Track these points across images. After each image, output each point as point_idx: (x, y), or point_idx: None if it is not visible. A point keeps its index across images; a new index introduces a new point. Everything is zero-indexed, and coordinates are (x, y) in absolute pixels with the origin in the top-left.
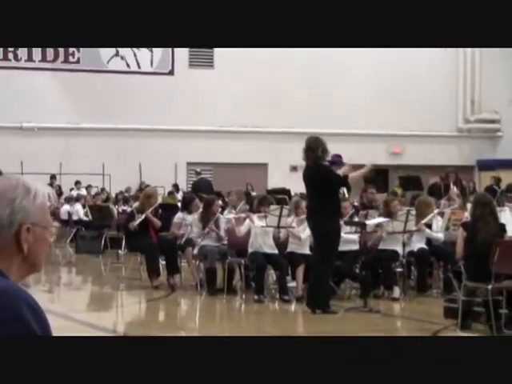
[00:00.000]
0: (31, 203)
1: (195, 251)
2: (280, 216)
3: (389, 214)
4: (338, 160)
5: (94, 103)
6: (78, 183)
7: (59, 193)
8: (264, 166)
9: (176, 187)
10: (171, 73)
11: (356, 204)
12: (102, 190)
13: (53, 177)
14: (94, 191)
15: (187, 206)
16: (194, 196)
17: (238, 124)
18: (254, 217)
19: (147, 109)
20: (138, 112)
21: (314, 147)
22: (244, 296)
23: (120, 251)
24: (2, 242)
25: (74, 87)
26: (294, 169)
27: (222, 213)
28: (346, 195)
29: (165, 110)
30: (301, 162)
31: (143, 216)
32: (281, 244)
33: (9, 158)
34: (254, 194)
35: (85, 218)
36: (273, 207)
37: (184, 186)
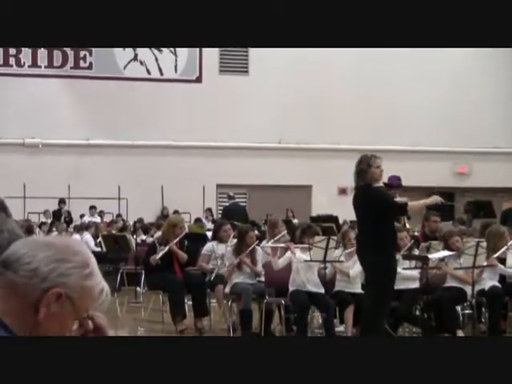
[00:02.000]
0: (79, 277)
1: (227, 289)
2: (326, 248)
3: (450, 249)
4: (396, 183)
5: (107, 116)
6: (92, 208)
7: (68, 220)
8: (307, 188)
9: (210, 212)
10: (199, 80)
11: (416, 234)
12: (118, 216)
13: (61, 201)
14: (107, 218)
15: (217, 232)
16: (223, 221)
17: (277, 140)
18: (297, 249)
19: (171, 122)
20: (159, 126)
21: (367, 167)
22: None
23: (139, 289)
24: (26, 292)
25: (84, 97)
26: (342, 192)
27: (258, 245)
28: (407, 225)
29: (191, 123)
30: (351, 184)
31: (167, 248)
32: (327, 281)
33: (9, 180)
34: (295, 221)
35: (96, 249)
36: (318, 238)
37: (213, 212)
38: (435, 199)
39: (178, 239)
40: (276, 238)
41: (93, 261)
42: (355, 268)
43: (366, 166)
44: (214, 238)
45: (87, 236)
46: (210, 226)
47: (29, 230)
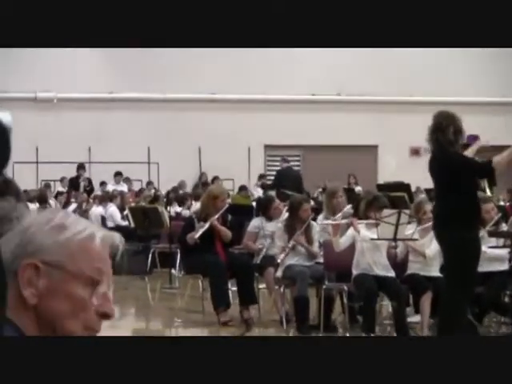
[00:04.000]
0: (47, 236)
1: (278, 273)
2: (397, 224)
3: None
4: (474, 143)
5: (134, 64)
6: (118, 175)
7: (89, 188)
8: (373, 149)
9: (261, 178)
10: None
11: (503, 204)
12: (148, 184)
13: (81, 166)
14: (135, 187)
15: (265, 210)
16: (271, 196)
17: (337, 91)
18: (361, 225)
19: (210, 71)
20: (196, 76)
21: (444, 126)
22: (347, 335)
23: (174, 271)
24: (9, 287)
25: None
26: (415, 153)
27: (314, 219)
28: (488, 192)
29: (234, 72)
30: (426, 144)
31: (207, 225)
32: (398, 263)
33: (19, 142)
34: (358, 189)
35: (123, 224)
36: (386, 212)
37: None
38: None
39: (219, 214)
40: (338, 215)
41: (60, 213)
42: (432, 247)
43: (444, 126)
44: (262, 213)
45: (112, 208)
46: (259, 193)
47: (41, 199)
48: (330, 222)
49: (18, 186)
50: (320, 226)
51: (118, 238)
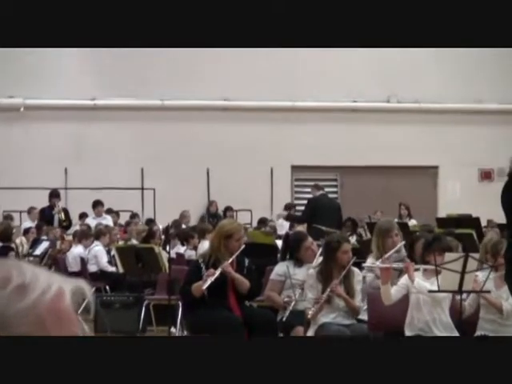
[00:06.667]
0: (10, 302)
1: (310, 333)
2: (463, 271)
3: None
4: None
5: (122, 64)
6: (98, 205)
7: (67, 224)
8: (432, 171)
9: (289, 208)
10: None
11: None
12: (133, 216)
13: (54, 194)
14: (124, 219)
15: (294, 251)
16: (302, 233)
17: (385, 97)
18: (417, 272)
19: (220, 73)
20: (202, 78)
21: None
22: None
23: (173, 331)
24: None
25: None
26: (486, 176)
27: (357, 264)
28: None
29: (251, 73)
30: (499, 165)
31: (218, 272)
32: (466, 321)
33: None
34: (413, 223)
35: (110, 269)
36: (450, 255)
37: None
38: None
39: (234, 257)
40: (387, 255)
41: (11, 267)
42: (511, 300)
43: None
44: (289, 254)
45: (97, 248)
46: (285, 228)
47: (4, 237)
48: (377, 264)
49: None
50: (366, 270)
51: (87, 288)
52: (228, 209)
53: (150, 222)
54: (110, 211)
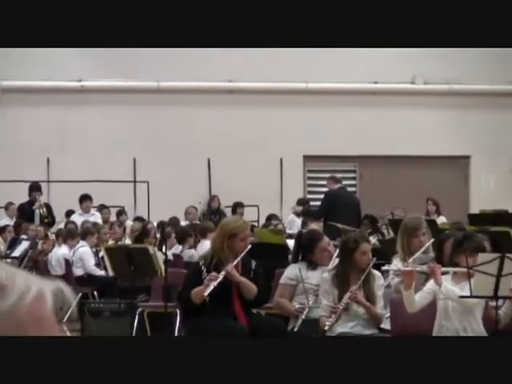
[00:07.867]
0: None
1: None
2: (499, 274)
3: None
4: None
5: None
6: (86, 199)
7: (50, 220)
8: (463, 161)
9: (303, 203)
10: None
11: None
12: (120, 214)
13: (34, 187)
14: (114, 216)
15: (308, 252)
16: (317, 232)
17: (409, 77)
18: (445, 275)
19: (222, 51)
20: (202, 57)
21: None
22: None
23: None
24: None
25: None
26: None
27: (377, 266)
28: None
29: (258, 52)
30: None
31: (221, 276)
32: (500, 330)
33: None
34: (441, 220)
35: (98, 273)
36: (483, 256)
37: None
38: None
39: (239, 258)
40: (412, 258)
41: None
42: None
43: None
44: (302, 256)
45: (83, 249)
46: (297, 226)
47: None
48: (397, 267)
49: None
50: (392, 274)
51: (67, 290)
52: (238, 205)
53: (140, 220)
54: (102, 207)
